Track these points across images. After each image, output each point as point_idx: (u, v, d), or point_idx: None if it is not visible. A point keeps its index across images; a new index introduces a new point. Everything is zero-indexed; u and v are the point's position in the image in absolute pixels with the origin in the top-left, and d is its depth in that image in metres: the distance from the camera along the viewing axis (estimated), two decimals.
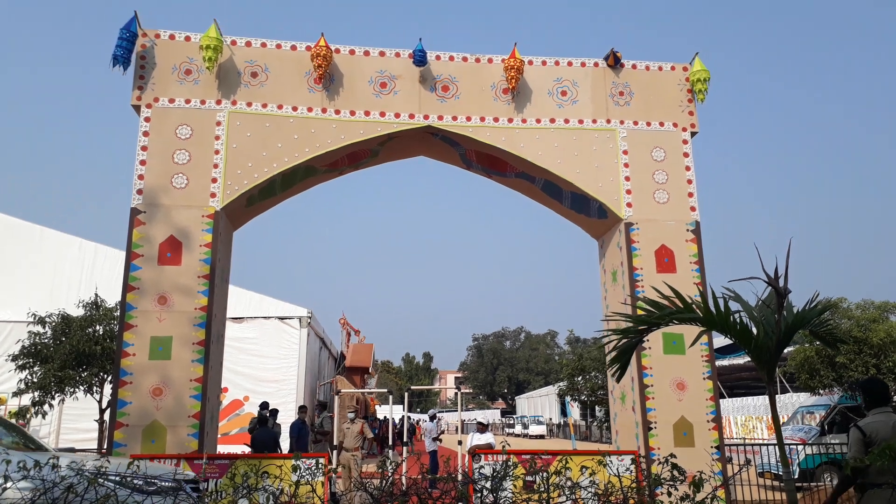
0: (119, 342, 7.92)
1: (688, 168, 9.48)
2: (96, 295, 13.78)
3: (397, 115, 9.13)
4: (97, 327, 13.11)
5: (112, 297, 13.16)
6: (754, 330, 4.22)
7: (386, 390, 18.67)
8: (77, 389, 13.02)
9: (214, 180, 8.51)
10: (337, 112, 9.02)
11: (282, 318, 19.52)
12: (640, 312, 4.61)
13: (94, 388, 13.19)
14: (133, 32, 8.59)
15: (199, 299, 8.12)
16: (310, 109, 8.97)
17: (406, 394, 15.05)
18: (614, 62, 9.69)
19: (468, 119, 9.27)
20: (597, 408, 38.86)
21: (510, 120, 9.35)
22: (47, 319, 13.18)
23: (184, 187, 8.43)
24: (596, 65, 9.75)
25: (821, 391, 16.82)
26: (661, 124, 9.61)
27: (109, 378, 12.61)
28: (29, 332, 13.16)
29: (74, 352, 12.58)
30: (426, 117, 9.18)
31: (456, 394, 18.27)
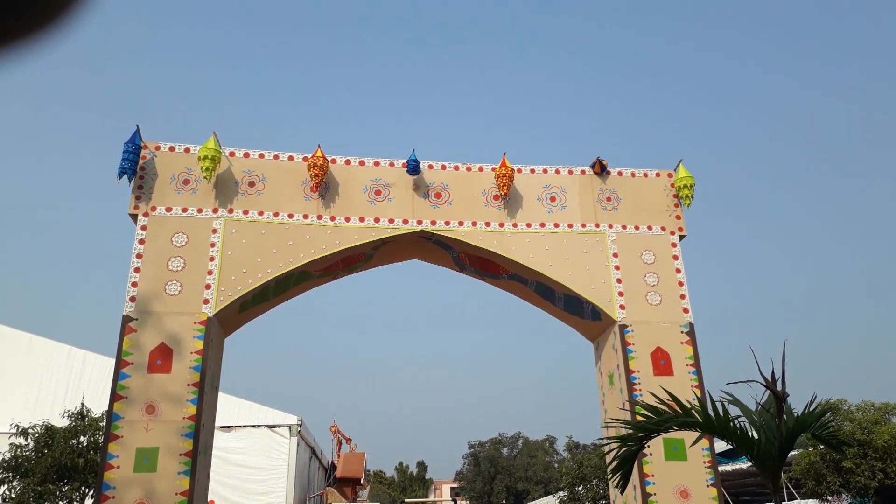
0: (103, 454, 7.66)
1: (678, 270, 9.59)
2: (82, 405, 13.46)
3: (391, 221, 9.31)
4: (81, 438, 12.72)
5: (99, 407, 12.85)
6: (755, 435, 4.15)
7: (378, 503, 17.94)
8: None
9: (208, 286, 8.54)
10: (332, 218, 9.19)
11: (271, 427, 19.02)
12: (638, 418, 4.54)
13: None
14: (137, 145, 8.87)
15: (188, 408, 7.94)
16: (305, 216, 9.14)
17: None
18: (600, 170, 10.01)
19: (460, 223, 9.46)
20: None
21: (501, 224, 9.53)
22: (30, 431, 12.80)
23: (177, 294, 8.43)
24: (583, 172, 10.07)
25: (829, 497, 16.28)
26: (650, 228, 9.80)
27: (91, 492, 12.11)
28: (10, 444, 12.75)
29: (56, 465, 12.13)
30: (419, 222, 9.36)
31: None
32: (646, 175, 10.18)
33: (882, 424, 14.97)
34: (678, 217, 9.95)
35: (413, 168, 9.40)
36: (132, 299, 8.31)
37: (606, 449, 4.74)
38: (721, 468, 12.10)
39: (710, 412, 4.09)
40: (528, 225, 9.59)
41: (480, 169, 9.84)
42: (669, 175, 10.18)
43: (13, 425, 12.92)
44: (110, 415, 7.79)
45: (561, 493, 39.32)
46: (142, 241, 8.62)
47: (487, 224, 9.50)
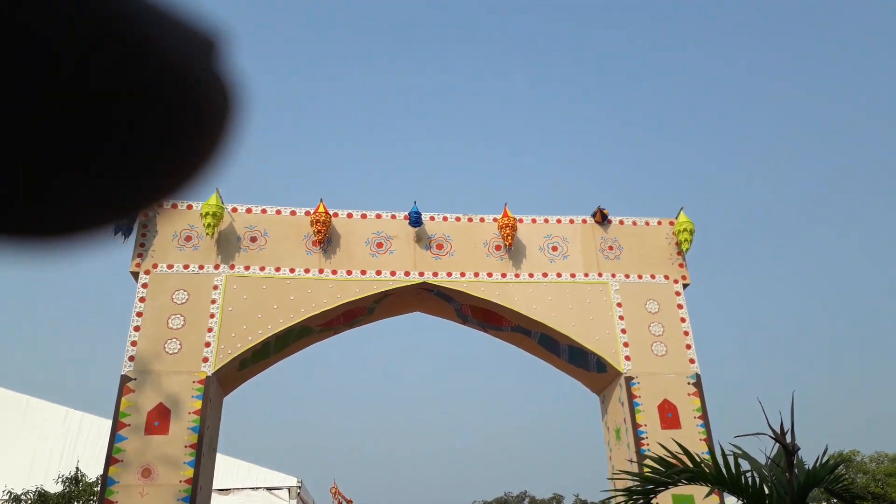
0: None
1: (683, 320, 9.49)
2: (77, 469, 13.17)
3: (393, 273, 9.27)
4: None
5: (96, 470, 12.56)
6: (766, 490, 4.02)
7: None
8: None
9: (208, 344, 8.44)
10: (334, 272, 9.16)
11: (270, 489, 18.54)
12: (646, 471, 4.41)
13: None
14: None
15: (185, 471, 7.74)
16: (307, 270, 9.11)
17: None
18: (601, 219, 10.01)
19: (462, 275, 9.41)
20: None
21: (503, 275, 9.49)
22: (23, 497, 12.48)
23: (176, 352, 8.33)
24: (584, 221, 10.07)
25: None
26: (653, 277, 9.75)
27: None
28: None
29: None
30: (421, 274, 9.32)
31: None
32: (647, 224, 10.17)
33: None
34: (681, 265, 9.90)
35: (415, 220, 9.42)
36: (131, 359, 8.21)
37: (613, 503, 4.59)
38: None
39: (722, 466, 3.97)
40: (531, 275, 9.54)
41: (482, 220, 9.85)
42: (671, 223, 10.18)
43: (6, 491, 12.62)
44: (105, 480, 7.59)
45: None
46: (142, 300, 8.57)
47: (490, 275, 9.45)
